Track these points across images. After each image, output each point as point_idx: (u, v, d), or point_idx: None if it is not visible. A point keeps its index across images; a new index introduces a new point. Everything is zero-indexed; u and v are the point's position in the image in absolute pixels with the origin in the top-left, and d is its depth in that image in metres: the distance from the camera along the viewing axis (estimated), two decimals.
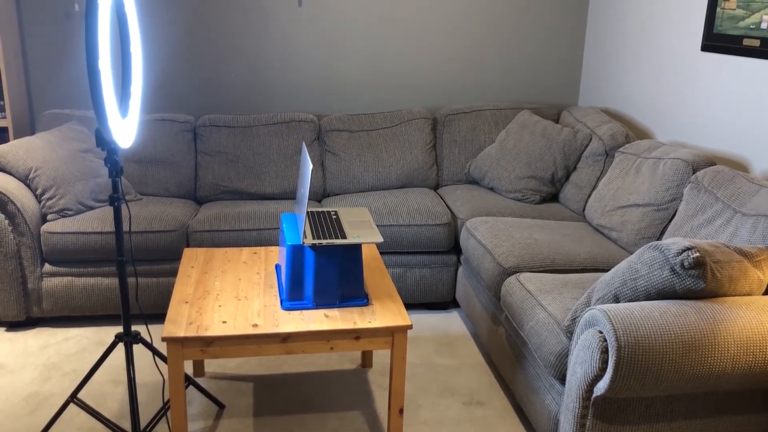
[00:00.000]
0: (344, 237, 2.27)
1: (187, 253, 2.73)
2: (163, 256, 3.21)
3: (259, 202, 3.57)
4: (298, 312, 2.24)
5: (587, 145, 3.53)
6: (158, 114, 3.76)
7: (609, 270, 2.81)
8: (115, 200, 2.13)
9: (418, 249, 3.37)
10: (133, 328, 3.27)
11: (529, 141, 3.64)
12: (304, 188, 2.25)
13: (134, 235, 3.16)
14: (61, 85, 3.83)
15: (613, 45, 3.86)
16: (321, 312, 2.24)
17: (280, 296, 2.33)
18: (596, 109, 3.82)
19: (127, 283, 2.22)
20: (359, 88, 4.06)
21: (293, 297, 2.28)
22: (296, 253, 2.24)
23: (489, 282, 2.87)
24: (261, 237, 3.26)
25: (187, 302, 2.28)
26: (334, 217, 2.49)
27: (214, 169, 3.69)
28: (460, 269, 3.41)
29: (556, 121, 3.97)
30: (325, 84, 4.03)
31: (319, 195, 3.77)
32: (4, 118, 3.66)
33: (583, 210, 3.42)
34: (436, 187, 3.90)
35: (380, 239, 2.26)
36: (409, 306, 3.53)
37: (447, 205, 3.56)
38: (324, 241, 2.22)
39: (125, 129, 2.09)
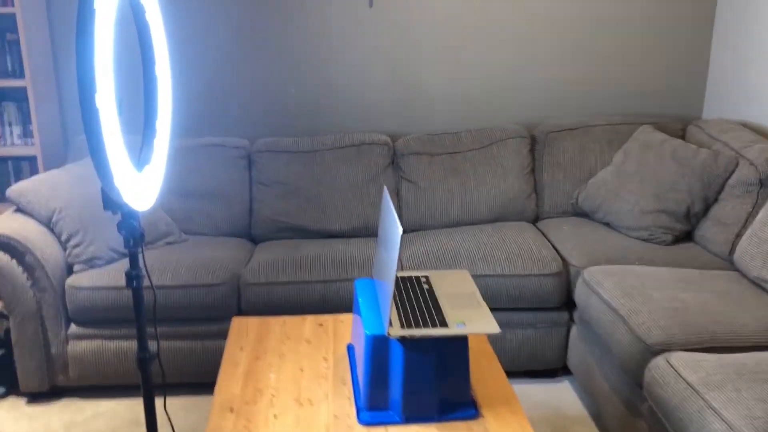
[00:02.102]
0: (444, 323, 1.64)
1: (236, 325, 2.15)
2: (211, 315, 2.65)
3: (324, 242, 2.97)
4: (382, 428, 1.62)
5: (733, 171, 2.80)
6: (206, 138, 3.21)
7: None
8: (133, 279, 1.55)
9: (520, 305, 2.71)
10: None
11: (656, 165, 2.93)
12: (390, 254, 1.63)
13: (175, 291, 2.61)
14: None
15: (752, 42, 3.10)
16: (413, 429, 1.62)
17: (356, 401, 1.72)
18: (736, 123, 3.08)
19: (152, 388, 1.65)
20: (441, 102, 3.42)
21: (374, 405, 1.66)
22: (378, 347, 1.63)
23: (624, 361, 2.19)
24: (327, 291, 2.66)
25: (232, 410, 1.69)
26: (425, 285, 1.86)
27: (271, 202, 3.12)
28: (574, 329, 2.74)
29: (682, 138, 3.25)
30: (401, 98, 3.40)
31: None
32: (33, 145, 3.18)
33: (729, 253, 2.70)
34: (534, 221, 3.22)
35: (496, 329, 1.63)
36: (509, 374, 2.87)
37: (554, 247, 2.88)
38: (417, 332, 1.60)
39: (144, 183, 1.51)
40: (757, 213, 2.67)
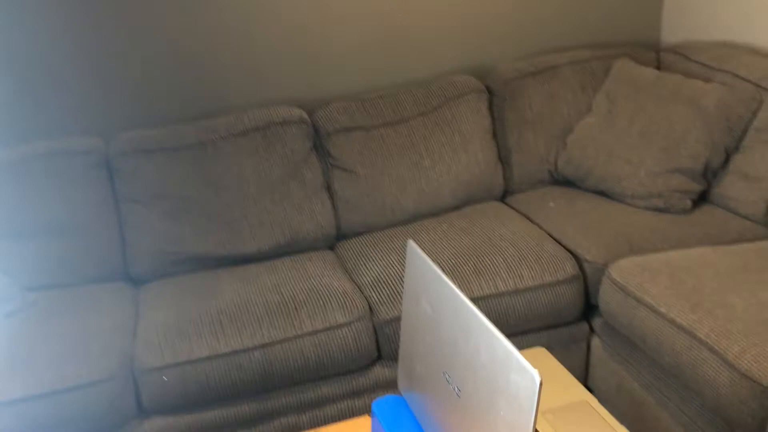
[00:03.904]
0: None
1: None
2: (98, 427, 1.74)
3: (241, 273, 2.11)
4: None
5: (757, 111, 2.22)
6: (35, 144, 2.17)
7: None
8: None
9: (531, 326, 2.02)
10: None
11: (657, 111, 2.29)
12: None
13: (35, 403, 1.66)
14: None
15: None
16: None
17: None
18: (726, 44, 2.50)
19: None
20: (356, 51, 2.54)
21: None
22: None
23: (721, 406, 1.57)
24: (271, 360, 1.82)
25: None
26: None
27: (152, 225, 2.17)
28: (596, 342, 2.09)
29: (657, 69, 2.63)
30: (304, 51, 2.50)
31: (330, 238, 2.31)
32: None
33: (767, 214, 2.15)
34: (503, 197, 2.52)
35: None
36: None
37: (552, 237, 2.19)
38: None
39: None
40: None
